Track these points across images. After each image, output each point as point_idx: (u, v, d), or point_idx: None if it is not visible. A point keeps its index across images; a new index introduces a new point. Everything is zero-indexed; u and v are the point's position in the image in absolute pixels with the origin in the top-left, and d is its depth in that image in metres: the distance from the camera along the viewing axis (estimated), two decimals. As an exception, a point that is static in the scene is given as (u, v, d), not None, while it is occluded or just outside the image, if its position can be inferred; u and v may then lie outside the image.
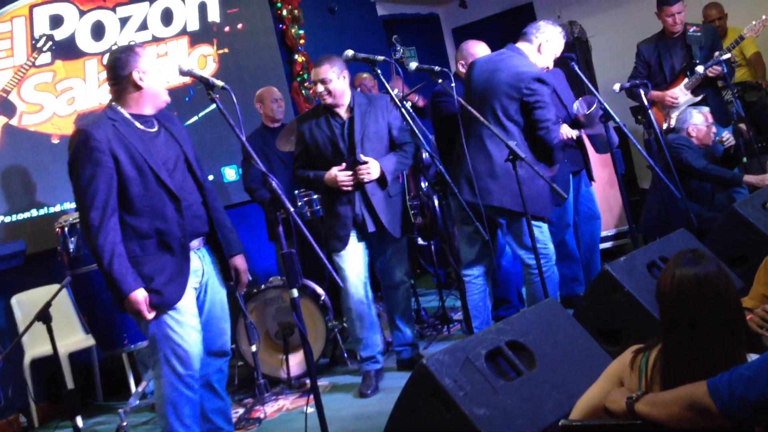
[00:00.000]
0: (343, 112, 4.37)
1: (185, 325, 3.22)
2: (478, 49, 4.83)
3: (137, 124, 3.22)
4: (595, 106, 4.89)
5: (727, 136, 5.53)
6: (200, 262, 3.36)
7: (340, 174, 4.28)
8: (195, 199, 3.33)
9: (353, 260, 4.41)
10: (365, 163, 4.27)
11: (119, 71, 3.22)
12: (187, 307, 3.25)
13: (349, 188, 4.30)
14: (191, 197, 3.31)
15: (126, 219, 3.15)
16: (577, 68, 4.43)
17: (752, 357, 1.95)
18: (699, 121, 5.35)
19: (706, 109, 5.46)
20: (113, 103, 3.26)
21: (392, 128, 4.42)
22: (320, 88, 4.30)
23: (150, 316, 3.15)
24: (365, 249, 4.47)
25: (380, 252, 4.52)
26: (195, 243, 3.33)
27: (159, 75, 3.28)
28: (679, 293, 1.95)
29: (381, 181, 4.33)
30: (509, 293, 5.11)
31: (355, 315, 4.44)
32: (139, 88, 3.23)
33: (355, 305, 4.43)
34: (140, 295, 3.11)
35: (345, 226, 4.36)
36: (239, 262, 3.51)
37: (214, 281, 3.43)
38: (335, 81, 4.29)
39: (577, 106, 5.00)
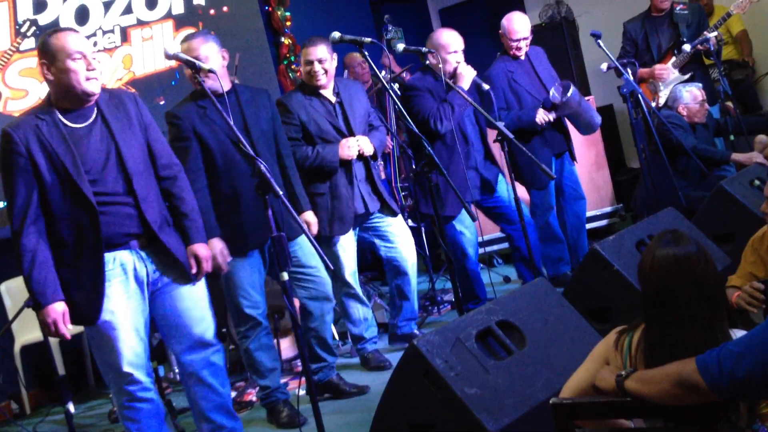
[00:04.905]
0: (329, 95, 4.31)
1: (122, 337, 2.98)
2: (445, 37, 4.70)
3: (65, 122, 2.94)
4: (571, 91, 4.83)
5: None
6: (142, 263, 3.06)
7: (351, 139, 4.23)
8: (125, 199, 3.00)
9: (350, 246, 4.38)
10: None
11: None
12: (123, 314, 2.99)
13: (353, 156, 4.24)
14: (121, 197, 2.99)
15: (44, 226, 2.94)
16: (602, 44, 4.45)
17: (739, 333, 1.97)
18: (689, 100, 5.35)
19: (697, 86, 5.46)
20: (50, 97, 2.98)
21: (369, 113, 4.47)
22: (317, 67, 4.18)
23: (67, 332, 2.92)
24: (355, 234, 4.47)
25: (389, 231, 4.50)
26: (134, 243, 3.04)
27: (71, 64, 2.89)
28: (659, 274, 1.98)
29: (372, 156, 4.36)
30: (479, 290, 4.94)
31: (355, 300, 4.44)
32: (50, 81, 2.93)
33: (354, 291, 4.43)
34: (59, 308, 2.89)
35: (348, 207, 4.25)
36: (200, 250, 3.14)
37: (170, 273, 3.12)
38: (328, 62, 4.22)
39: (553, 93, 4.90)
